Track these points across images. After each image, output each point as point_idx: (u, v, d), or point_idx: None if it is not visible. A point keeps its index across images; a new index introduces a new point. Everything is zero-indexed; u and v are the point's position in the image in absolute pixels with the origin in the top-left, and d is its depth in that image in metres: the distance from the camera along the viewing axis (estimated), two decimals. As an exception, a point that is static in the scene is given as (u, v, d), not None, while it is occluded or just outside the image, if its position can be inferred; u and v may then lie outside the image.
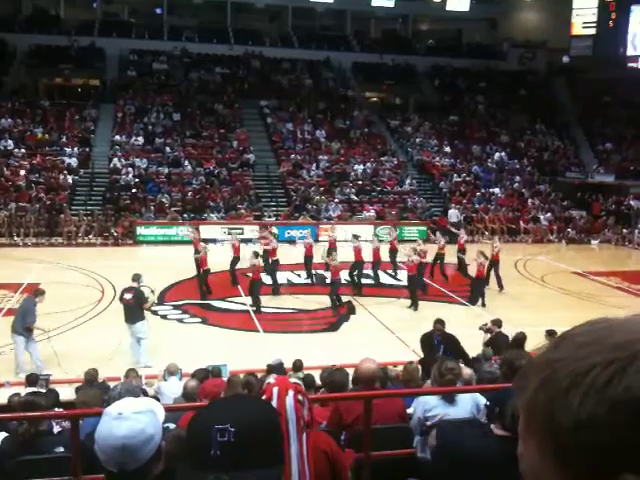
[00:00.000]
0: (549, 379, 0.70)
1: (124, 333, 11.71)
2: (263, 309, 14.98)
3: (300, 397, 2.64)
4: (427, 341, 9.81)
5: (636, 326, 0.72)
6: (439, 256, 18.44)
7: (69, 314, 13.59)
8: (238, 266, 17.20)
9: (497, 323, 11.48)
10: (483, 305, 16.05)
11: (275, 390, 2.61)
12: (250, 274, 15.37)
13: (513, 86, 37.65)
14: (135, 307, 11.64)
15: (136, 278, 12.08)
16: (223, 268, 17.40)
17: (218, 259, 17.48)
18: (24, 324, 10.97)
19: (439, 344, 9.87)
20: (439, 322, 10.27)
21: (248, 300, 15.27)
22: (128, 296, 11.67)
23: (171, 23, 37.99)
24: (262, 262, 15.94)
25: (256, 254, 15.53)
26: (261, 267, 15.58)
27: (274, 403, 2.57)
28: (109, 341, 11.55)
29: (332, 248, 18.55)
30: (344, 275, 16.29)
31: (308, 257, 18.01)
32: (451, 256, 18.98)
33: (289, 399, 2.60)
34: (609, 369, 0.67)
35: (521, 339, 9.30)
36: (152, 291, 12.30)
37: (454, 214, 26.64)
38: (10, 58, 32.81)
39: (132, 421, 1.85)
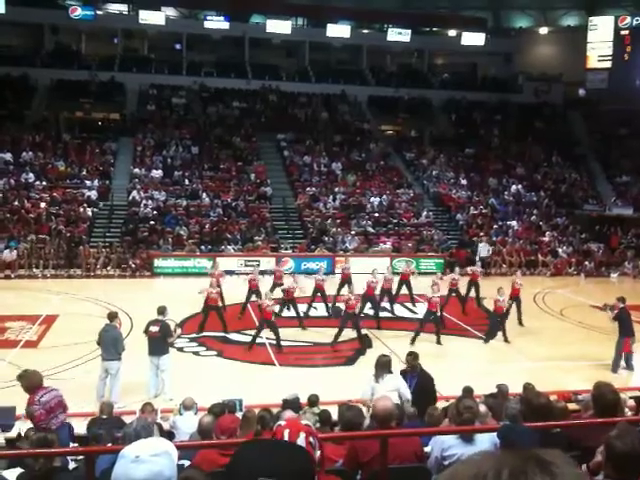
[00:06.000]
0: None
1: (141, 365, 11.67)
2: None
3: (311, 439, 2.62)
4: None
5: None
6: (452, 291, 18.27)
7: (85, 346, 13.60)
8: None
9: (621, 300, 12.48)
10: (506, 341, 15.74)
11: (286, 432, 2.59)
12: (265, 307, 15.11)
13: (529, 119, 37.74)
14: (161, 340, 11.60)
15: (162, 311, 12.01)
16: (238, 301, 17.42)
17: (234, 291, 17.47)
18: (118, 350, 11.11)
19: (410, 381, 8.95)
20: (411, 354, 9.42)
21: (264, 333, 15.18)
22: (155, 329, 11.59)
23: (190, 58, 38.74)
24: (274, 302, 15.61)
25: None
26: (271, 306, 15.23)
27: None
28: (126, 373, 11.52)
29: (345, 280, 18.48)
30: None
31: (319, 291, 17.90)
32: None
33: (300, 441, 2.57)
34: None
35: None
36: (177, 325, 12.21)
37: (484, 248, 26.46)
38: (32, 92, 33.52)
39: (150, 464, 1.85)
